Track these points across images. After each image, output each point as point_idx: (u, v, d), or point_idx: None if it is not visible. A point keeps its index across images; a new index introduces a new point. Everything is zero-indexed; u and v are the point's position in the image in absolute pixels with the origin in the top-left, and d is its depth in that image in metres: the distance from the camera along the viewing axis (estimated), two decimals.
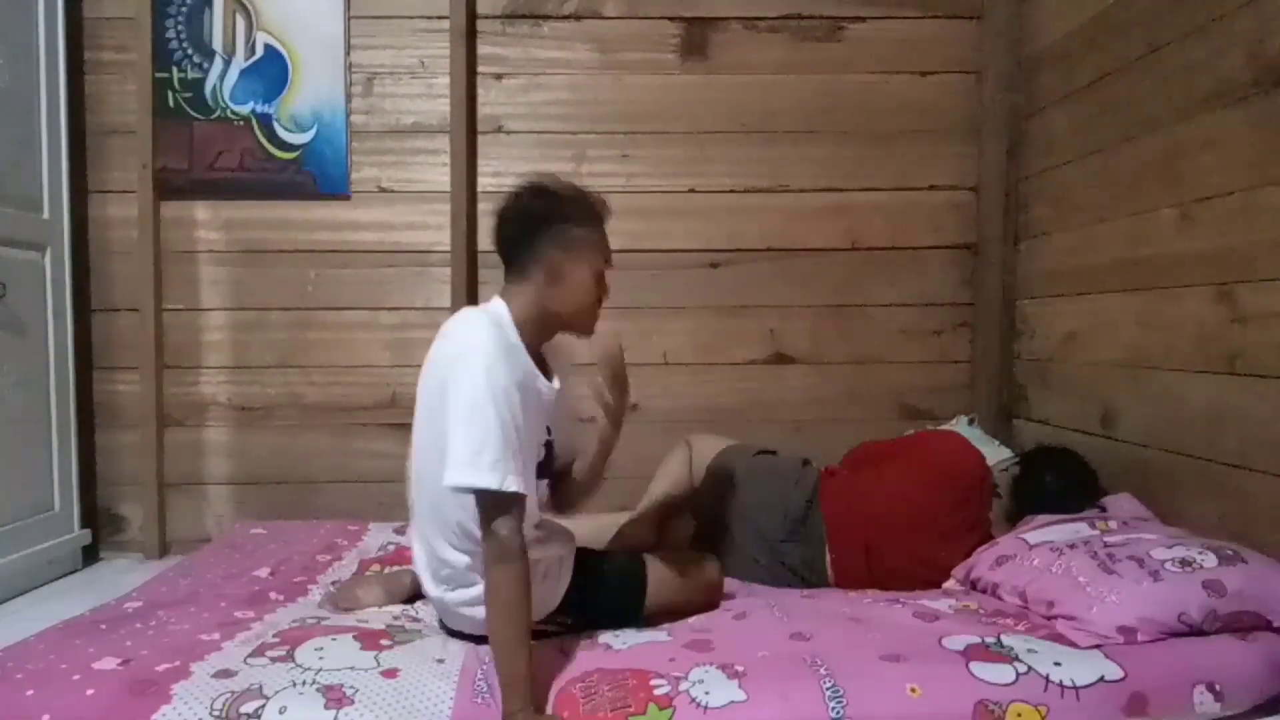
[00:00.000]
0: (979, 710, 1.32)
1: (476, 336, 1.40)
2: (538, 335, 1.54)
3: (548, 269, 1.48)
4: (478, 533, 1.40)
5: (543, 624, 1.57)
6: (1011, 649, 1.42)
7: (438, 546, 1.51)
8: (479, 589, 1.45)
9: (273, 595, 1.86)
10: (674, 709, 1.31)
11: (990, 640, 1.45)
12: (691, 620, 1.72)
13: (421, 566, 1.60)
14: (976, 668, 1.38)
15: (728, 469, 2.07)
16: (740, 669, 1.40)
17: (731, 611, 1.78)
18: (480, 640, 1.53)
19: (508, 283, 1.54)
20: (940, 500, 1.94)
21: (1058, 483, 1.99)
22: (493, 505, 1.36)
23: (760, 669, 1.40)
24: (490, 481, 1.34)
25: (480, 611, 1.42)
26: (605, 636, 1.62)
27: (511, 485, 1.34)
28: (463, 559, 1.48)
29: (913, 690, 1.35)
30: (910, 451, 2.12)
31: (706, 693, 1.34)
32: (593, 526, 2.01)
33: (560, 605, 1.60)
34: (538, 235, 1.47)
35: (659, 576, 1.70)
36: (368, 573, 2.06)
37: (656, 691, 1.34)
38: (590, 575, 1.64)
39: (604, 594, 1.66)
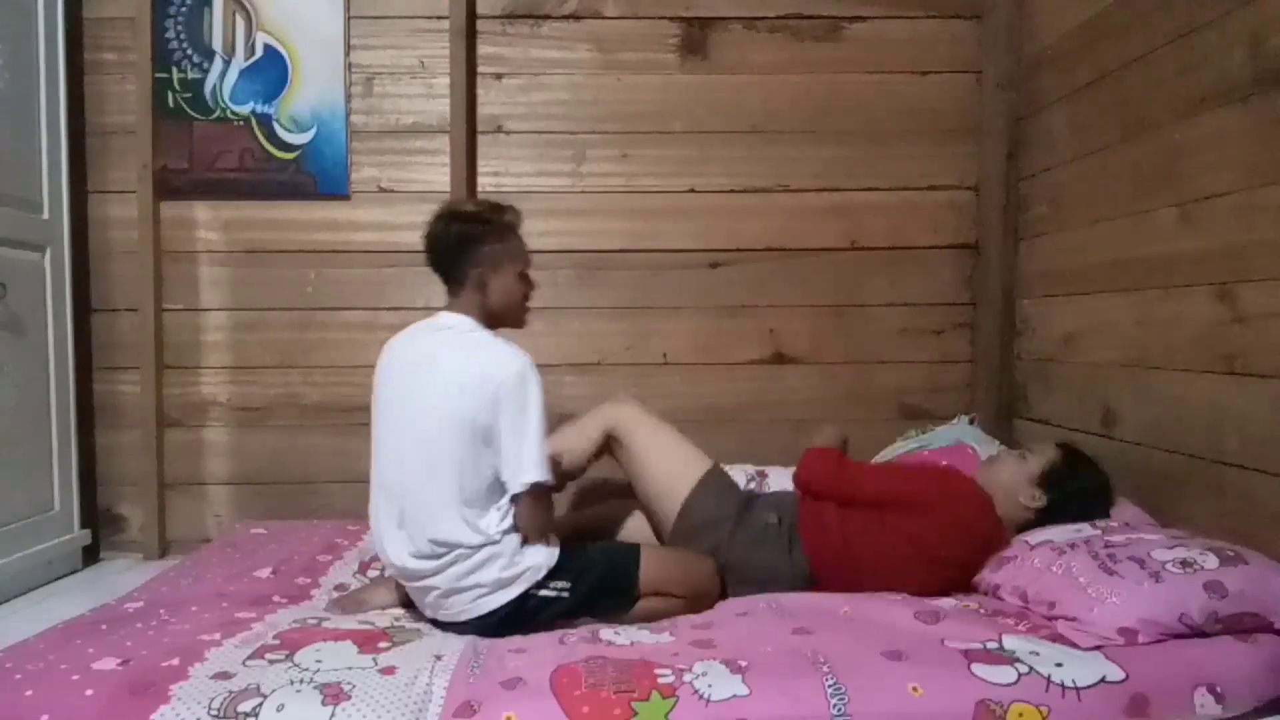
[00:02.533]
0: (980, 710, 1.32)
1: (521, 357, 1.66)
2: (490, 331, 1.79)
3: (476, 281, 1.73)
4: (490, 504, 1.66)
5: (540, 587, 1.67)
6: (1013, 650, 1.42)
7: (440, 529, 1.63)
8: (481, 555, 1.64)
9: (275, 598, 1.86)
10: (677, 698, 1.32)
11: (991, 644, 1.45)
12: (693, 618, 1.73)
13: (405, 560, 1.67)
14: (978, 668, 1.38)
15: (704, 536, 1.93)
16: (744, 664, 1.41)
17: (733, 609, 1.78)
18: (480, 623, 1.65)
19: (450, 296, 1.78)
20: (949, 564, 1.82)
21: (1088, 509, 1.86)
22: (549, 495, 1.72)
23: (763, 664, 1.41)
24: (552, 477, 1.68)
25: (484, 574, 1.64)
26: (606, 633, 1.63)
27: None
28: (472, 536, 1.63)
29: (914, 689, 1.35)
30: (918, 505, 1.86)
31: (710, 685, 1.34)
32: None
33: (558, 567, 1.69)
34: (460, 256, 1.73)
35: (653, 555, 1.81)
36: (370, 573, 2.07)
37: (660, 680, 1.35)
38: (587, 547, 1.78)
39: (599, 560, 1.76)
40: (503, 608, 1.66)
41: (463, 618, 1.68)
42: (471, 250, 1.72)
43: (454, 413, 1.62)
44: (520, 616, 1.67)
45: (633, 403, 2.11)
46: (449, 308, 1.77)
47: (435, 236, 1.76)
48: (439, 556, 1.64)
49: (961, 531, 1.82)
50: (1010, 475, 1.91)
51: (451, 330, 1.74)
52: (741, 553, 1.90)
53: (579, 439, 2.04)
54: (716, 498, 1.99)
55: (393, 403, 1.74)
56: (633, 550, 1.80)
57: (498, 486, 1.67)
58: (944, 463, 2.27)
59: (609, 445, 2.06)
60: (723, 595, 1.87)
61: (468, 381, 1.63)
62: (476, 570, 1.64)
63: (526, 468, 1.63)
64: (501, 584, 1.66)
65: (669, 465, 2.01)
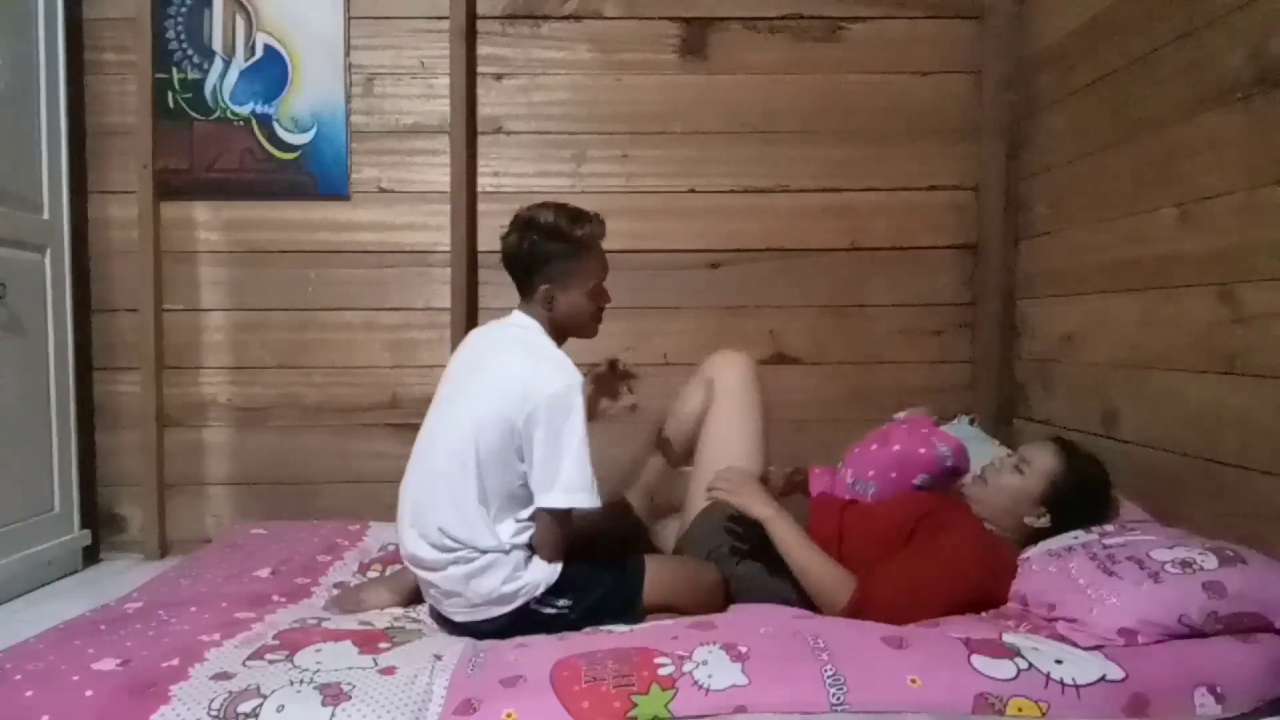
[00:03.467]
0: (979, 703, 1.32)
1: (570, 376, 1.65)
2: (556, 341, 1.79)
3: (543, 297, 1.75)
4: (509, 513, 1.65)
5: (542, 605, 1.64)
6: (1013, 645, 1.43)
7: (450, 522, 1.63)
8: (484, 561, 1.62)
9: (275, 597, 1.87)
10: (676, 690, 1.32)
11: (991, 638, 1.45)
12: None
13: (417, 545, 1.67)
14: (978, 661, 1.38)
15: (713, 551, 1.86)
16: (743, 649, 1.41)
17: (734, 601, 1.79)
18: (478, 629, 1.64)
19: (523, 298, 1.79)
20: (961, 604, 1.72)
21: (1093, 518, 1.81)
22: (570, 516, 1.66)
23: (763, 651, 1.41)
24: (596, 502, 1.64)
25: (483, 582, 1.62)
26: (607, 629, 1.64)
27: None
28: (481, 538, 1.62)
29: (913, 680, 1.35)
30: (931, 549, 1.73)
31: (709, 675, 1.35)
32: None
33: (559, 585, 1.66)
34: (533, 271, 1.74)
35: (658, 570, 1.76)
36: (370, 574, 2.07)
37: (660, 671, 1.36)
38: (591, 561, 1.71)
39: (604, 580, 1.71)
40: (501, 617, 1.65)
41: (460, 619, 1.67)
42: (539, 269, 1.73)
43: (490, 413, 1.62)
44: (519, 630, 1.65)
45: (743, 364, 2.05)
46: (520, 307, 1.80)
47: (507, 248, 1.76)
48: (445, 550, 1.63)
49: (976, 589, 1.71)
50: (1010, 497, 1.80)
51: (516, 331, 1.76)
52: (758, 561, 1.83)
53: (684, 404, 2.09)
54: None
55: (445, 389, 1.77)
56: (637, 568, 1.74)
57: (521, 497, 1.65)
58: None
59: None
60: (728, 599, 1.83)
61: (511, 386, 1.63)
62: (476, 576, 1.62)
63: (553, 489, 1.61)
64: (502, 599, 1.63)
65: (737, 440, 1.97)
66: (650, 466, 2.16)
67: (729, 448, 1.97)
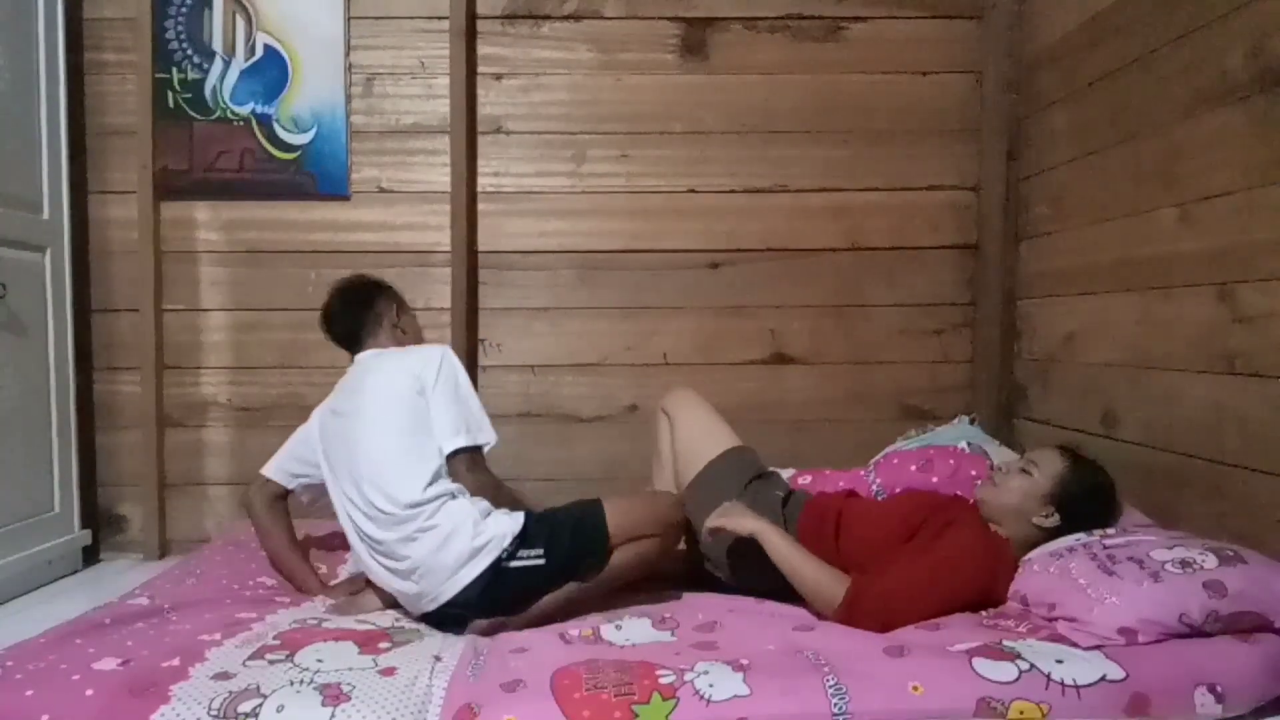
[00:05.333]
0: (981, 707, 1.32)
1: (438, 347, 1.93)
2: None
3: (389, 326, 2.02)
4: (438, 466, 1.79)
5: (513, 558, 1.70)
6: (1013, 647, 1.42)
7: (397, 488, 1.73)
8: (442, 519, 1.72)
9: (276, 598, 1.87)
10: (678, 699, 1.32)
11: (992, 641, 1.45)
12: (697, 617, 1.72)
13: (382, 534, 1.74)
14: (979, 665, 1.38)
15: (709, 514, 1.87)
16: (745, 662, 1.41)
17: (732, 607, 1.78)
18: (466, 601, 1.68)
19: (364, 344, 2.00)
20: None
21: (1100, 518, 1.80)
22: (481, 455, 1.87)
23: (764, 664, 1.41)
24: (494, 436, 1.88)
25: (453, 547, 1.68)
26: (608, 633, 1.63)
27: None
28: (426, 491, 1.73)
29: (915, 688, 1.35)
30: (931, 549, 1.74)
31: (711, 685, 1.35)
32: None
33: (527, 535, 1.73)
34: (367, 315, 2.01)
35: (616, 502, 1.84)
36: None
37: (661, 681, 1.35)
38: (552, 510, 1.83)
39: (566, 521, 1.79)
40: (479, 579, 1.68)
41: (444, 597, 1.69)
42: (374, 307, 2.02)
43: (391, 398, 1.82)
44: (501, 590, 1.69)
45: (688, 389, 2.21)
46: (366, 347, 2.01)
47: (332, 311, 2.05)
48: (403, 521, 1.71)
49: (972, 590, 1.72)
50: (1020, 496, 1.80)
51: (369, 355, 1.97)
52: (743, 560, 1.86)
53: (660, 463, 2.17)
54: (736, 463, 2.02)
55: (341, 415, 1.90)
56: (595, 503, 1.82)
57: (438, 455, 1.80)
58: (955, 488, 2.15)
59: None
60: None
61: (401, 375, 1.84)
62: (443, 547, 1.68)
63: (461, 433, 1.81)
64: (474, 555, 1.68)
65: (701, 434, 2.08)
66: None
67: (701, 444, 2.06)
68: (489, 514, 1.75)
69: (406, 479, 1.73)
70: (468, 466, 1.81)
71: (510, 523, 1.73)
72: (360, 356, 1.99)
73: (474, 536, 1.69)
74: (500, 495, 1.85)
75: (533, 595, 1.72)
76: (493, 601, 1.69)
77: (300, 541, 2.05)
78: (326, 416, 1.95)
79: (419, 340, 2.09)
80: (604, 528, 1.77)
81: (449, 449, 1.80)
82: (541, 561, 1.71)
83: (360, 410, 1.84)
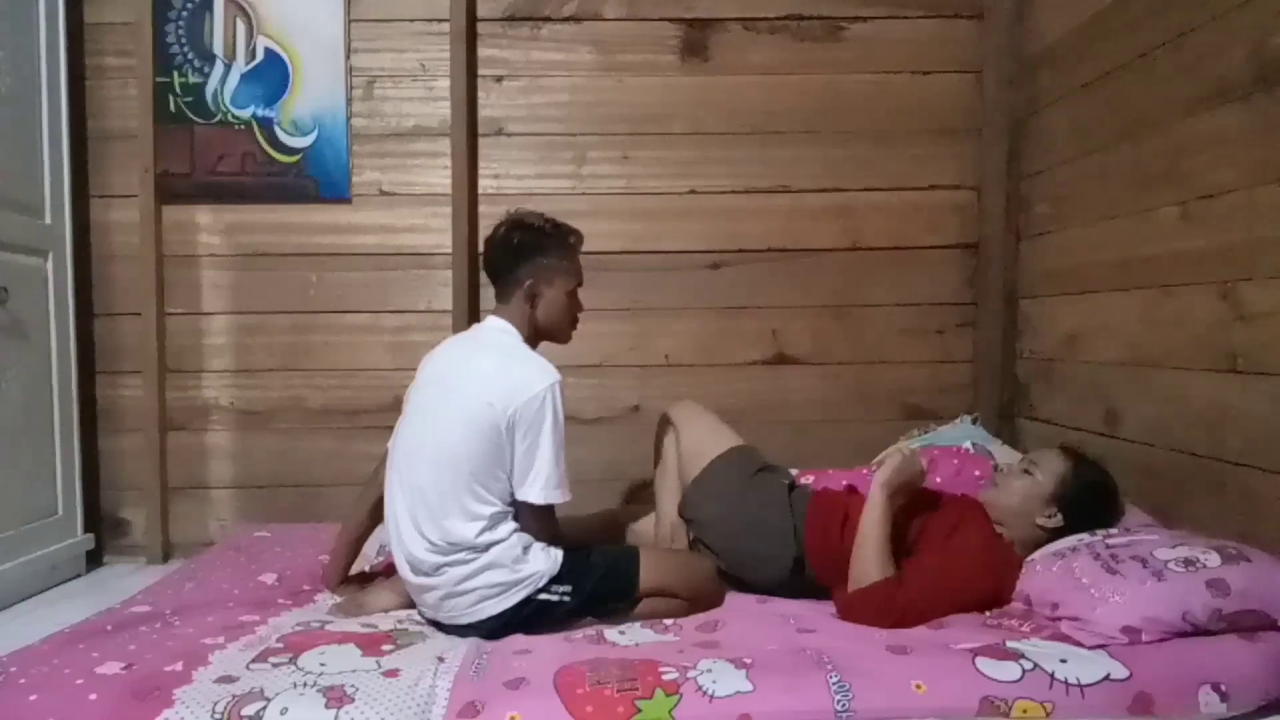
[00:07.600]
0: (984, 706, 1.32)
1: (548, 376, 1.70)
2: (530, 345, 1.83)
3: (527, 292, 1.79)
4: (498, 510, 1.69)
5: (541, 591, 1.68)
6: (1017, 646, 1.43)
7: (450, 527, 1.66)
8: (486, 559, 1.66)
9: (279, 600, 1.87)
10: (680, 696, 1.32)
11: (995, 641, 1.45)
12: (698, 618, 1.73)
13: (418, 553, 1.68)
14: (982, 664, 1.38)
15: (715, 501, 1.96)
16: (748, 660, 1.41)
17: (734, 607, 1.78)
18: (481, 627, 1.65)
19: (499, 302, 1.83)
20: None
21: (1103, 519, 1.81)
22: (553, 510, 1.74)
23: (768, 661, 1.42)
24: (567, 497, 1.73)
25: (486, 579, 1.64)
26: (610, 634, 1.64)
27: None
28: (480, 537, 1.65)
29: (918, 686, 1.35)
30: (940, 545, 1.78)
31: (714, 681, 1.35)
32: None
33: (559, 573, 1.70)
34: (518, 264, 1.79)
35: (652, 557, 1.83)
36: (369, 571, 2.07)
37: (665, 677, 1.36)
38: (587, 549, 1.78)
39: (600, 564, 1.75)
40: (504, 613, 1.66)
41: (463, 621, 1.68)
42: (528, 260, 1.78)
43: (473, 419, 1.66)
44: (520, 621, 1.67)
45: (693, 402, 2.22)
46: (496, 312, 1.83)
47: (496, 241, 1.81)
48: (447, 554, 1.65)
49: (981, 593, 1.73)
50: (1022, 497, 1.82)
51: (492, 336, 1.80)
52: (751, 509, 1.92)
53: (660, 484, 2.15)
54: (742, 458, 2.04)
55: (419, 397, 1.80)
56: (632, 553, 1.80)
57: (508, 495, 1.71)
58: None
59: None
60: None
61: (494, 395, 1.67)
62: (479, 574, 1.65)
63: (531, 488, 1.69)
64: (504, 588, 1.66)
65: (707, 434, 2.09)
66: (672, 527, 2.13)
67: (707, 443, 2.06)
68: (529, 548, 1.70)
69: (462, 521, 1.65)
70: (533, 515, 1.71)
71: (548, 562, 1.69)
72: (475, 331, 1.87)
73: (511, 572, 1.66)
74: (557, 542, 1.75)
75: (550, 626, 1.69)
76: (506, 625, 1.67)
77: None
78: (414, 389, 1.84)
79: (548, 332, 1.86)
80: (635, 578, 1.75)
81: (520, 497, 1.70)
82: (568, 599, 1.70)
83: (438, 420, 1.71)
